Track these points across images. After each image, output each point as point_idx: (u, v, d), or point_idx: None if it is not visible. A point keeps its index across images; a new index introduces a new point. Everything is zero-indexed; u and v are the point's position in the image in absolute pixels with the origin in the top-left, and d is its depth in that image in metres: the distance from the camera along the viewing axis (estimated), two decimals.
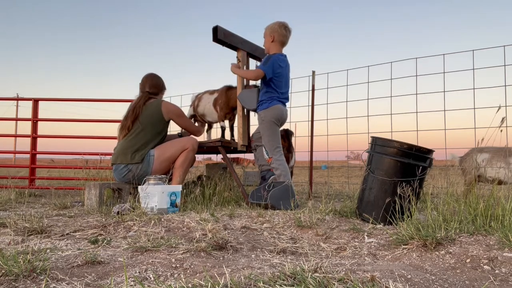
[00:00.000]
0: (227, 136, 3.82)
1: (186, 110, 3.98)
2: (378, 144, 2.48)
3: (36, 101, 4.97)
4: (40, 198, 3.95)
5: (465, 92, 3.36)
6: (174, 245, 1.69)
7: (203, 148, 3.56)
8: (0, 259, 1.29)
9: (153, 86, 3.34)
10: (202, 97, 3.91)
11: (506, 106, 3.06)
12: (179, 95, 5.23)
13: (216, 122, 3.83)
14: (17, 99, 6.29)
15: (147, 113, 3.19)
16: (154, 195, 2.59)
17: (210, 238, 1.77)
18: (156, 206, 2.57)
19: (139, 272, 1.33)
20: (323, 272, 1.20)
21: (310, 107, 4.07)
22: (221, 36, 3.33)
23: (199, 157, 5.68)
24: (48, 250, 1.60)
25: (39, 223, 2.04)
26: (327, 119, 4.04)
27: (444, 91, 3.41)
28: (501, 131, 2.56)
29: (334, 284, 1.12)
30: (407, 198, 2.22)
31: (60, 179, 5.80)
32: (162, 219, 2.19)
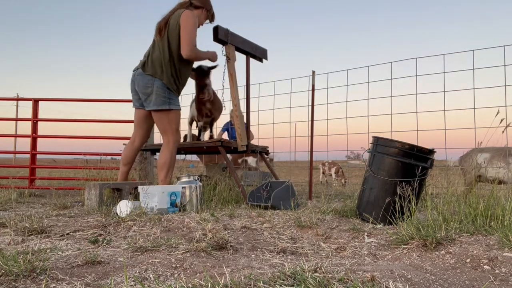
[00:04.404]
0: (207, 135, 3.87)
1: (187, 111, 3.97)
2: (379, 144, 2.48)
3: (36, 101, 4.97)
4: (40, 198, 3.95)
5: (465, 92, 3.36)
6: (174, 245, 1.69)
7: (203, 148, 3.56)
8: (0, 259, 1.29)
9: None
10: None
11: (506, 106, 3.06)
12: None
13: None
14: (17, 99, 6.31)
15: (172, 21, 3.00)
16: (154, 195, 2.59)
17: (210, 238, 1.76)
18: (156, 206, 2.57)
19: (139, 272, 1.33)
20: (323, 272, 1.20)
21: (310, 107, 4.07)
22: (221, 36, 3.33)
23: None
24: (48, 250, 1.60)
25: (39, 223, 2.04)
26: (327, 119, 4.04)
27: (444, 91, 3.41)
28: (503, 132, 2.56)
29: (334, 284, 1.12)
30: (407, 198, 2.22)
31: (60, 179, 5.80)
32: (162, 219, 2.19)
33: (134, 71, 3.13)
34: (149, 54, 3.06)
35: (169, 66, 3.01)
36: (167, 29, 3.00)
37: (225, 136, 5.73)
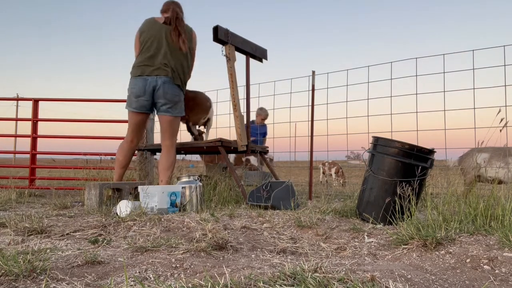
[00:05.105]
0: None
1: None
2: (379, 144, 2.48)
3: (36, 101, 4.97)
4: (40, 198, 3.95)
5: (465, 92, 3.36)
6: (174, 245, 1.69)
7: (203, 148, 3.56)
8: (0, 259, 1.29)
9: (182, 11, 3.30)
10: None
11: (506, 106, 3.06)
12: None
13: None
14: (17, 99, 6.29)
15: (189, 39, 3.24)
16: (154, 195, 2.59)
17: (210, 238, 1.77)
18: (156, 206, 2.57)
19: (139, 272, 1.33)
20: (323, 272, 1.20)
21: (310, 107, 4.07)
22: (221, 36, 3.33)
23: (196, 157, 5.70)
24: (48, 250, 1.60)
25: (39, 223, 2.04)
26: (327, 119, 4.05)
27: (444, 91, 3.41)
28: (501, 131, 2.57)
29: (334, 284, 1.12)
30: (407, 198, 2.22)
31: (60, 179, 5.79)
32: (162, 219, 2.19)
33: (149, 76, 3.09)
34: (168, 62, 3.13)
35: (184, 77, 3.28)
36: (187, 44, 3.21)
37: None
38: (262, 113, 5.89)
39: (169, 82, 3.11)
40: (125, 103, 3.26)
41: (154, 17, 3.23)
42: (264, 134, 6.06)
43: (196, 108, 3.69)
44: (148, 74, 3.09)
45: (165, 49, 3.12)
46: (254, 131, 5.86)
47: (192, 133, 3.87)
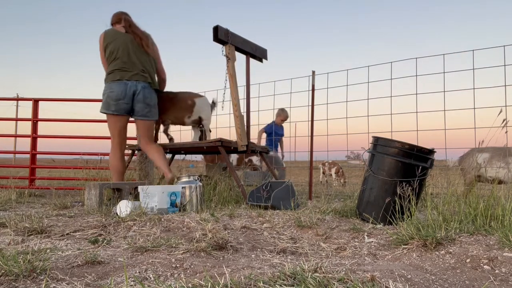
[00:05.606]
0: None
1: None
2: (379, 144, 2.48)
3: (36, 101, 4.97)
4: (40, 198, 3.95)
5: (465, 92, 3.36)
6: (174, 245, 1.69)
7: (203, 148, 3.56)
8: (0, 259, 1.29)
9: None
10: None
11: (506, 106, 3.06)
12: None
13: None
14: (17, 99, 6.29)
15: (150, 40, 3.42)
16: (154, 195, 2.59)
17: (210, 238, 1.77)
18: (156, 206, 2.57)
19: (139, 272, 1.33)
20: (323, 272, 1.20)
21: (310, 107, 4.07)
22: (221, 36, 3.33)
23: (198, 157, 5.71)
24: (48, 250, 1.60)
25: (39, 223, 2.04)
26: (327, 119, 4.04)
27: (444, 91, 3.41)
28: (506, 132, 2.57)
29: (334, 284, 1.12)
30: (407, 198, 2.22)
31: (60, 179, 5.79)
32: (162, 219, 2.19)
33: (129, 81, 3.24)
34: (145, 68, 3.32)
35: (156, 81, 3.51)
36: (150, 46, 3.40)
37: (264, 136, 5.89)
38: (282, 114, 5.91)
39: (148, 87, 3.33)
40: None
41: (113, 27, 3.39)
42: (281, 135, 6.12)
43: (172, 107, 3.71)
44: (128, 79, 3.24)
45: (138, 56, 3.29)
46: (277, 131, 5.92)
47: (167, 135, 3.91)
